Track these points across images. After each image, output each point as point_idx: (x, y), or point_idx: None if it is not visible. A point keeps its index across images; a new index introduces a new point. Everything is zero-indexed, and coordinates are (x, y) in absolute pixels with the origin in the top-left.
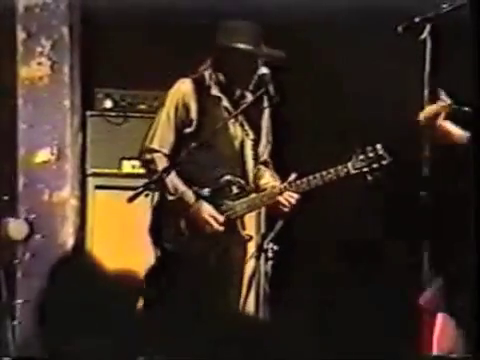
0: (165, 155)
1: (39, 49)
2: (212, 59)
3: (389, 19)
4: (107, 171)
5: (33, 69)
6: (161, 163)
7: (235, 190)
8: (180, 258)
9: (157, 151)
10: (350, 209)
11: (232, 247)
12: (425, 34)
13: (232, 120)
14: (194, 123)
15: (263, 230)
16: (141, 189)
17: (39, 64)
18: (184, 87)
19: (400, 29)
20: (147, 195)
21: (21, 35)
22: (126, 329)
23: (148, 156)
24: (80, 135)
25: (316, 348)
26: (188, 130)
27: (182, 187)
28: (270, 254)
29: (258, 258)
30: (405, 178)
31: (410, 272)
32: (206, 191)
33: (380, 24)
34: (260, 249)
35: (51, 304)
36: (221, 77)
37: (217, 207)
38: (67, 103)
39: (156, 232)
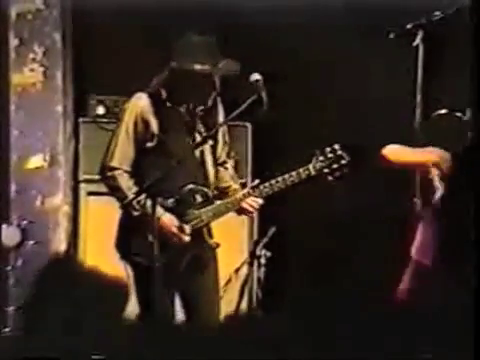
0: (126, 171)
1: (31, 56)
2: (167, 77)
3: (381, 25)
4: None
5: (25, 76)
6: (122, 179)
7: (199, 199)
8: (150, 270)
9: (117, 168)
10: (342, 213)
11: (200, 255)
12: (417, 41)
13: (187, 128)
14: (155, 137)
15: (255, 237)
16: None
17: (31, 71)
18: (141, 102)
19: (392, 36)
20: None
21: (13, 42)
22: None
23: (109, 173)
24: (73, 141)
25: (308, 352)
26: (149, 144)
27: (148, 201)
28: (263, 260)
29: (251, 264)
30: (397, 182)
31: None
32: (170, 202)
33: (372, 29)
34: (253, 255)
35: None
36: (176, 94)
37: (183, 217)
38: (59, 109)
39: (124, 246)
